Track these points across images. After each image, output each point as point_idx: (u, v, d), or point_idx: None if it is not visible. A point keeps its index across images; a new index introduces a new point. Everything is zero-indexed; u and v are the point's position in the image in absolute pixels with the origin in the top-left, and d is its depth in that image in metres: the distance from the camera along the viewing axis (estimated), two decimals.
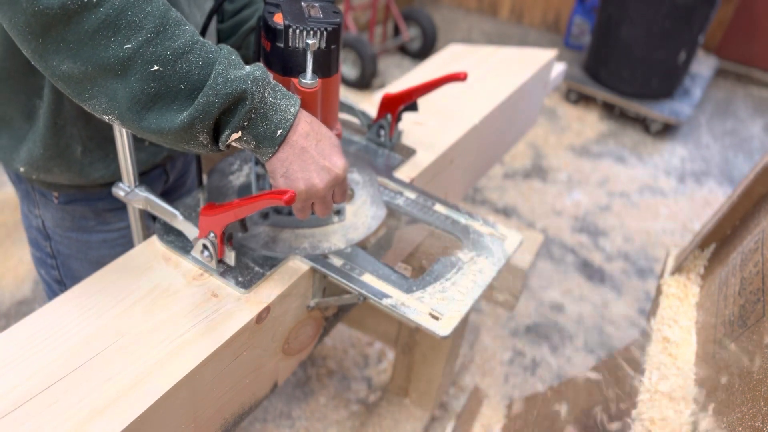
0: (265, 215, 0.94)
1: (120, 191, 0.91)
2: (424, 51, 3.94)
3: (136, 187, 0.91)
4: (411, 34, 3.97)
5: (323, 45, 0.79)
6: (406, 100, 1.12)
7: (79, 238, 1.02)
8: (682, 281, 1.22)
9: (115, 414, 0.67)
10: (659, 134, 3.51)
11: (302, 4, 0.82)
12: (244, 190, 1.01)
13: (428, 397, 1.77)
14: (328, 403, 1.85)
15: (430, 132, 1.27)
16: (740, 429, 0.78)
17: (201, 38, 0.70)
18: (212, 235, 0.83)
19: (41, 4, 0.59)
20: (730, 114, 3.83)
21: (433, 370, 1.69)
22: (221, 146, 0.73)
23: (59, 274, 1.07)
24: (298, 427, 1.77)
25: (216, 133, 0.72)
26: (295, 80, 0.80)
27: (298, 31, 0.77)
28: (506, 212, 2.79)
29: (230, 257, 0.85)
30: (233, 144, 0.74)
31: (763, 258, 0.97)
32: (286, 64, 0.80)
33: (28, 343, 0.74)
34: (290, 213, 0.95)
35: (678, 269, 1.24)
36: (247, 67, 0.72)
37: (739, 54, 4.13)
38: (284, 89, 0.75)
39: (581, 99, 3.72)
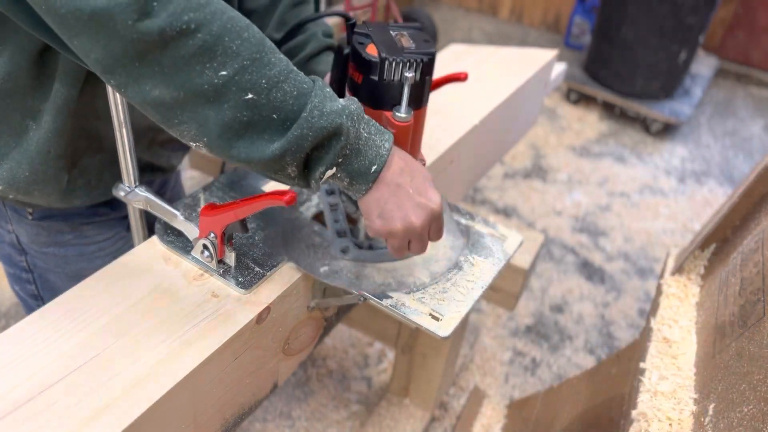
0: (345, 250, 0.91)
1: (120, 191, 0.91)
2: None
3: (136, 187, 0.91)
4: None
5: (419, 77, 0.76)
6: None
7: (56, 252, 0.99)
8: (682, 281, 1.22)
9: (115, 414, 0.67)
10: (659, 134, 3.51)
11: (391, 33, 0.79)
12: (317, 221, 0.98)
13: (428, 397, 1.77)
14: (328, 403, 1.85)
15: (430, 132, 1.27)
16: (741, 429, 0.78)
17: (295, 68, 0.67)
18: (212, 235, 0.82)
19: (141, 29, 0.57)
20: (730, 114, 3.83)
21: (433, 370, 1.69)
22: (313, 183, 0.71)
23: (36, 288, 1.04)
24: (298, 427, 1.77)
25: (305, 168, 0.70)
26: (388, 113, 0.77)
27: (395, 63, 0.74)
28: (506, 212, 2.79)
29: (230, 258, 0.85)
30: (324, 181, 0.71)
31: (763, 258, 0.97)
32: (379, 97, 0.77)
33: (28, 343, 0.74)
34: (371, 247, 0.92)
35: (678, 269, 1.24)
36: (341, 101, 0.69)
37: (739, 54, 4.13)
38: (377, 124, 0.73)
39: (581, 99, 3.72)
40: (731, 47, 4.12)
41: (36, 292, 1.04)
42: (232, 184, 1.02)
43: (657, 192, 3.04)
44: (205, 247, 0.84)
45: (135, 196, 0.90)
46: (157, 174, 1.03)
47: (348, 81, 0.81)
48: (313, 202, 1.01)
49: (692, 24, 3.18)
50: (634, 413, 0.96)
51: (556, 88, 3.72)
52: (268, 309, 0.83)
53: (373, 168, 0.71)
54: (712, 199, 3.04)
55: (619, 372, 1.36)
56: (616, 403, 1.25)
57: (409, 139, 0.79)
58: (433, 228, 0.79)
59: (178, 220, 0.88)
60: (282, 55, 0.66)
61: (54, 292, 1.01)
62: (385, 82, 0.76)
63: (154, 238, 0.91)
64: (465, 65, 1.59)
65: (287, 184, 0.72)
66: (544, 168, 3.12)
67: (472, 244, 0.98)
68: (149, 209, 0.91)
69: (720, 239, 1.20)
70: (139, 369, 0.72)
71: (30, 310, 1.08)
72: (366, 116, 0.72)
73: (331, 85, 0.86)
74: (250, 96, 0.63)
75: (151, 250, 0.90)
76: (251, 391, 0.90)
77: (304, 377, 1.91)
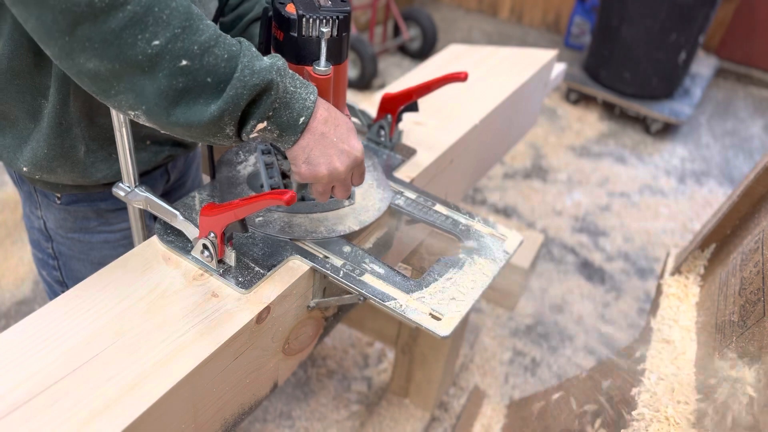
0: None
1: (120, 191, 0.91)
2: (424, 51, 3.94)
3: (136, 187, 0.91)
4: (411, 34, 3.97)
5: (335, 33, 0.82)
6: (406, 100, 1.12)
7: (81, 238, 1.02)
8: (682, 281, 1.22)
9: (115, 414, 0.67)
10: (659, 134, 3.51)
11: None
12: (252, 179, 1.02)
13: (428, 397, 1.77)
14: (328, 403, 1.85)
15: (430, 132, 1.27)
16: (741, 429, 0.78)
17: (222, 32, 0.70)
18: (212, 235, 0.82)
19: (69, 1, 0.59)
20: (730, 114, 3.83)
21: (433, 370, 1.69)
22: (244, 137, 0.74)
23: (61, 275, 1.07)
24: (298, 427, 1.77)
25: (240, 125, 0.73)
26: (309, 68, 0.82)
27: (311, 20, 0.80)
28: (506, 212, 2.79)
29: (230, 257, 0.85)
30: (254, 134, 0.75)
31: (763, 258, 0.97)
32: (299, 53, 0.83)
33: (28, 343, 0.74)
34: (302, 199, 0.97)
35: (678, 269, 1.24)
36: (267, 58, 0.73)
37: (739, 54, 4.13)
38: (301, 78, 0.77)
39: (581, 99, 3.72)
40: (731, 47, 4.12)
41: (61, 278, 1.08)
42: (231, 184, 1.03)
43: (657, 192, 3.04)
44: (205, 246, 0.84)
45: (135, 196, 0.90)
46: (179, 149, 1.04)
47: (272, 40, 0.87)
48: (250, 162, 1.06)
49: (692, 24, 3.18)
50: (634, 413, 0.96)
51: (556, 88, 3.72)
52: (268, 309, 0.83)
53: (301, 120, 0.76)
54: (712, 199, 3.04)
55: (619, 372, 1.36)
56: (615, 404, 1.25)
57: (331, 91, 0.85)
58: (355, 173, 0.85)
59: (178, 220, 0.88)
60: (209, 22, 0.69)
61: (77, 280, 1.03)
62: (304, 38, 0.82)
63: (154, 238, 0.91)
64: (465, 65, 1.59)
65: (223, 144, 0.75)
66: (544, 168, 3.12)
67: (471, 244, 0.98)
68: (149, 209, 0.91)
69: (720, 239, 1.20)
70: (139, 369, 0.72)
71: (54, 295, 1.11)
72: (290, 71, 0.76)
73: (258, 47, 0.90)
74: (184, 63, 0.65)
75: (151, 250, 0.90)
76: (251, 391, 0.90)
77: (304, 377, 1.91)
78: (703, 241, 1.21)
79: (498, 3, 4.73)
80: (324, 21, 0.80)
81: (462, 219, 1.03)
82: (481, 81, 1.50)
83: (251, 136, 0.74)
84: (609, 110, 3.67)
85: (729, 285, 1.05)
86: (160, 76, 0.65)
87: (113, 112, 0.83)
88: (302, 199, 0.98)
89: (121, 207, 1.02)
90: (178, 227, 0.89)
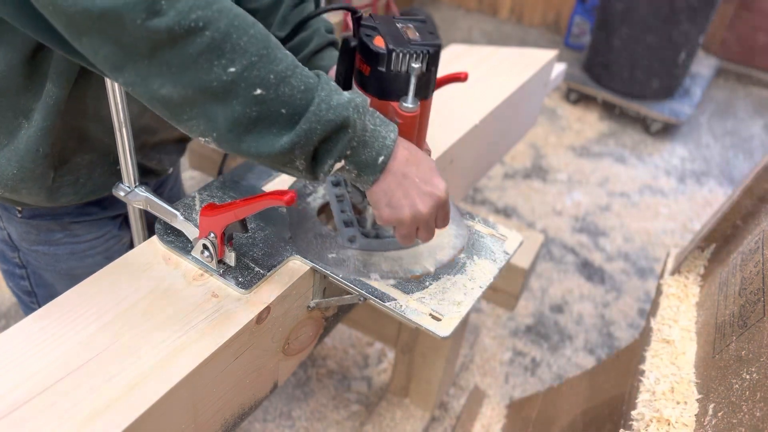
0: (352, 239, 0.92)
1: (120, 191, 0.91)
2: None
3: (136, 187, 0.91)
4: None
5: (425, 68, 0.78)
6: None
7: (46, 251, 0.99)
8: (682, 281, 1.22)
9: (115, 414, 0.67)
10: (659, 134, 3.51)
11: (398, 25, 0.81)
12: (323, 212, 0.99)
13: (428, 397, 1.77)
14: (328, 403, 1.85)
15: (430, 132, 1.27)
16: (741, 429, 0.78)
17: (300, 63, 0.68)
18: (212, 235, 0.82)
19: (150, 28, 0.58)
20: (730, 114, 3.83)
21: (433, 370, 1.69)
22: (321, 176, 0.72)
23: (29, 284, 1.04)
24: (298, 427, 1.77)
25: (313, 161, 0.71)
26: (395, 104, 0.79)
27: (402, 54, 0.76)
28: (506, 212, 2.79)
29: (230, 257, 0.85)
30: (332, 174, 0.73)
31: (763, 258, 0.97)
32: (386, 88, 0.79)
33: (28, 343, 0.74)
34: (377, 236, 0.93)
35: (678, 269, 1.24)
36: (346, 94, 0.70)
37: (739, 54, 4.13)
38: (381, 116, 0.74)
39: (581, 99, 3.72)
40: (731, 47, 4.12)
41: (30, 288, 1.04)
42: (232, 184, 1.03)
43: (657, 192, 3.04)
44: (205, 247, 0.84)
45: (135, 196, 0.90)
46: (149, 176, 1.04)
47: (355, 73, 0.82)
48: (319, 194, 1.02)
49: (692, 24, 3.18)
50: (633, 413, 0.96)
51: (556, 88, 3.72)
52: (268, 309, 0.83)
53: (380, 159, 0.72)
54: (712, 199, 3.04)
55: (619, 372, 1.36)
56: (616, 403, 1.25)
57: (416, 129, 0.81)
58: (440, 215, 0.80)
59: (178, 220, 0.88)
60: (287, 51, 0.67)
61: (47, 289, 1.01)
62: (393, 73, 0.77)
63: (154, 238, 0.91)
64: (465, 65, 1.59)
65: (295, 176, 0.73)
66: (544, 168, 3.12)
67: (471, 244, 0.98)
68: (149, 209, 0.91)
69: (720, 239, 1.20)
70: (140, 369, 0.72)
71: (25, 306, 1.08)
72: (371, 108, 0.73)
73: (336, 79, 0.87)
74: (258, 92, 0.63)
75: (151, 250, 0.90)
76: (251, 391, 0.90)
77: (304, 377, 1.91)
78: (703, 241, 1.21)
79: (498, 3, 4.73)
80: (415, 56, 0.76)
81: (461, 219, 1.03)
82: (481, 81, 1.50)
83: (329, 174, 0.72)
84: (609, 110, 3.67)
85: (729, 285, 1.05)
86: (234, 103, 0.63)
87: (112, 113, 0.82)
88: (376, 236, 0.94)
89: (85, 219, 0.99)
90: (178, 227, 0.89)
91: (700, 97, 3.61)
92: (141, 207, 0.92)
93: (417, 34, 0.80)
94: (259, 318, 0.82)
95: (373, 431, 1.75)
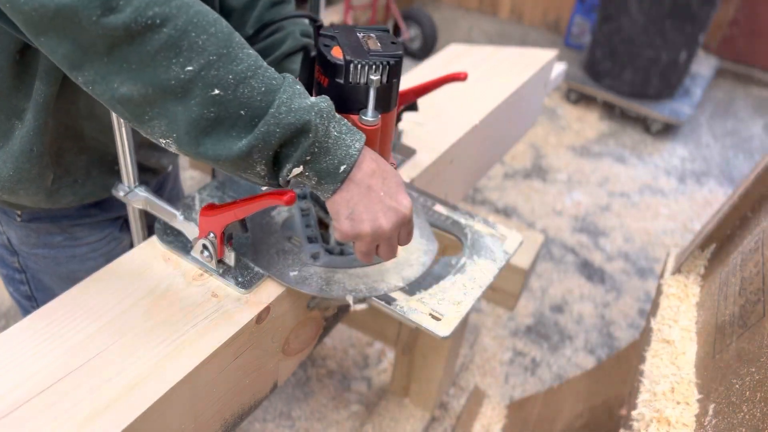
0: (315, 256, 0.90)
1: (119, 191, 0.91)
2: (424, 51, 3.94)
3: (135, 187, 0.91)
4: (411, 34, 3.97)
5: (385, 80, 0.75)
6: (406, 100, 1.12)
7: (46, 254, 0.98)
8: (682, 281, 1.22)
9: (115, 414, 0.67)
10: (659, 134, 3.51)
11: (358, 35, 0.78)
12: (288, 226, 0.96)
13: (428, 397, 1.77)
14: (328, 403, 1.85)
15: (430, 132, 1.27)
16: (741, 429, 0.78)
17: (265, 64, 0.66)
18: (212, 235, 0.82)
19: (106, 24, 0.57)
20: (730, 114, 3.83)
21: (433, 370, 1.69)
22: (281, 181, 0.70)
23: (29, 289, 1.03)
24: (298, 427, 1.77)
25: (275, 166, 0.69)
26: (354, 117, 0.76)
27: (360, 66, 0.73)
28: (506, 212, 2.79)
29: (230, 257, 0.85)
30: (292, 180, 0.71)
31: (763, 258, 0.97)
32: (345, 101, 0.76)
33: (28, 343, 0.74)
34: (342, 253, 0.91)
35: (678, 269, 1.24)
36: (312, 99, 0.68)
37: (739, 54, 4.13)
38: (348, 123, 0.71)
39: (581, 99, 3.72)
40: (731, 47, 4.12)
41: (29, 293, 1.04)
42: (231, 184, 1.02)
43: (657, 192, 3.04)
44: (204, 247, 0.84)
45: (135, 196, 0.90)
46: (148, 175, 1.03)
47: (315, 84, 0.79)
48: (284, 207, 0.99)
49: (692, 24, 3.18)
50: (634, 413, 0.96)
51: (556, 88, 3.72)
52: (268, 309, 0.83)
53: (342, 167, 0.69)
54: (712, 199, 3.04)
55: (619, 372, 1.36)
56: (616, 403, 1.25)
57: (377, 142, 0.78)
58: (402, 233, 0.77)
59: (178, 220, 0.88)
60: (252, 51, 0.66)
61: (47, 293, 1.00)
62: (351, 85, 0.74)
63: (154, 238, 0.91)
64: (465, 65, 1.59)
65: (259, 184, 0.71)
66: (544, 168, 3.12)
67: (471, 244, 0.98)
68: (149, 209, 0.91)
69: (720, 239, 1.20)
70: (139, 369, 0.72)
71: (24, 311, 1.07)
72: (338, 115, 0.70)
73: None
74: (216, 92, 0.62)
75: (151, 250, 0.90)
76: (251, 391, 0.90)
77: (304, 377, 1.91)
78: (703, 241, 1.21)
79: (498, 3, 4.73)
80: (374, 67, 0.73)
81: (462, 219, 1.03)
82: (481, 81, 1.50)
83: (288, 180, 0.70)
84: (609, 110, 3.67)
85: (729, 285, 1.05)
86: (192, 103, 0.62)
87: (112, 113, 0.82)
88: (341, 253, 0.91)
89: (85, 222, 0.99)
90: (177, 227, 0.89)
91: (700, 97, 3.61)
92: (141, 207, 0.92)
93: (378, 44, 0.76)
94: (259, 318, 0.82)
95: (373, 431, 1.75)
